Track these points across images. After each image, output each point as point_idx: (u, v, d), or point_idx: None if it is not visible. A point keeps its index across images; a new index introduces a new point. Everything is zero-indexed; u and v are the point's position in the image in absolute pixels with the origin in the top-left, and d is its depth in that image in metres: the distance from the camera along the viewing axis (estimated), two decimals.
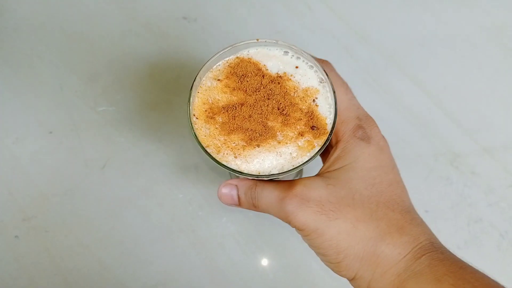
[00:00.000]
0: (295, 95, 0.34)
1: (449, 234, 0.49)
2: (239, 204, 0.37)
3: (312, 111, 0.34)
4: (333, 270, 0.34)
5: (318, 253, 0.34)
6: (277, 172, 0.32)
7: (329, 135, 0.33)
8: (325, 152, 0.38)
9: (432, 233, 0.33)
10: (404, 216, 0.33)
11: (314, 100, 0.34)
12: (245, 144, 0.33)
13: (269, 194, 0.34)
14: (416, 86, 0.55)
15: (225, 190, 0.37)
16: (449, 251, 0.32)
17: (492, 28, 0.58)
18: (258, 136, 0.33)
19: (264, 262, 0.49)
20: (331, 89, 0.34)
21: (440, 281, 0.29)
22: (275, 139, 0.33)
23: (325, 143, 0.33)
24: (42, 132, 0.53)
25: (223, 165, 0.32)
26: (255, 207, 0.35)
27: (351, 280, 0.33)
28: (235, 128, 0.33)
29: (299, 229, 0.33)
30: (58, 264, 0.49)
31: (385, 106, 0.54)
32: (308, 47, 0.56)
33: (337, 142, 0.35)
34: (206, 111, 0.34)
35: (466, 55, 0.57)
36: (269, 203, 0.34)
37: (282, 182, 0.35)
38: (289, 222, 0.33)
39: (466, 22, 0.58)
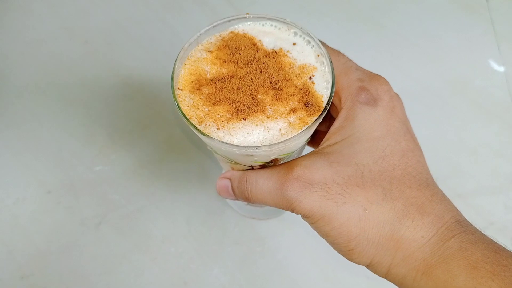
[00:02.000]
0: (290, 71, 0.32)
1: None
2: (235, 196, 0.34)
3: (308, 88, 0.31)
4: (345, 257, 0.30)
5: (327, 241, 0.30)
6: (268, 143, 0.30)
7: (323, 110, 0.30)
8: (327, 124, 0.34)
9: (457, 210, 0.30)
10: (423, 192, 0.29)
11: (310, 77, 0.32)
12: (230, 116, 0.30)
13: (265, 182, 0.30)
14: None
15: (220, 183, 0.34)
16: (479, 231, 0.29)
17: (456, 81, 0.63)
18: (245, 108, 0.31)
19: None
20: (329, 64, 0.32)
21: (476, 268, 0.26)
22: (264, 113, 0.31)
23: (318, 119, 0.30)
24: (41, 192, 0.57)
25: (206, 134, 0.30)
26: (248, 199, 0.32)
27: (367, 266, 0.30)
28: (221, 99, 0.31)
29: (304, 217, 0.29)
30: None
31: None
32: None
33: (339, 112, 0.32)
34: (192, 82, 0.32)
35: (434, 107, 0.62)
36: (266, 192, 0.30)
37: (278, 166, 0.31)
38: (292, 210, 0.29)
39: (432, 77, 0.64)
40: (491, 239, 0.28)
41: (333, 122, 0.33)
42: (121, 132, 0.60)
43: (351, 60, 0.33)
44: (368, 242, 0.28)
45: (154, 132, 0.60)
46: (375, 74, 0.32)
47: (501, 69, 0.64)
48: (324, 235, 0.29)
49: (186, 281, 0.52)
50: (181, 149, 0.59)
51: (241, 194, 0.32)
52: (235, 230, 0.54)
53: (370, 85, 0.31)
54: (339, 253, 0.30)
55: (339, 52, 0.34)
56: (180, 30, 0.67)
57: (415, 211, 0.28)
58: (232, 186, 0.33)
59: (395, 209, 0.28)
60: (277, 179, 0.29)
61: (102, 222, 0.55)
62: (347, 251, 0.29)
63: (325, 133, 0.33)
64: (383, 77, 0.31)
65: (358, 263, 0.30)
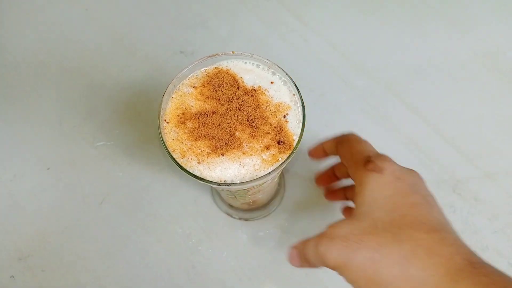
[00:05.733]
0: (267, 109, 0.35)
1: None
2: (306, 264, 0.36)
3: (282, 126, 0.34)
4: None
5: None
6: (239, 181, 0.33)
7: (294, 149, 0.33)
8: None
9: (471, 251, 0.30)
10: (431, 235, 0.30)
11: (285, 115, 0.35)
12: (210, 151, 0.33)
13: (311, 247, 0.34)
14: (414, 113, 0.55)
15: (290, 254, 0.36)
16: (496, 272, 0.29)
17: (486, 54, 0.58)
18: (224, 144, 0.33)
19: None
20: (301, 105, 0.35)
21: None
22: (241, 150, 0.33)
23: (288, 157, 0.33)
24: (40, 168, 0.53)
25: (186, 170, 0.33)
26: (309, 264, 0.35)
27: None
28: (202, 134, 0.34)
29: (333, 269, 0.32)
30: None
31: (384, 134, 0.54)
32: (305, 78, 0.57)
33: (354, 182, 0.35)
34: (178, 115, 0.35)
35: (462, 81, 0.57)
36: (312, 255, 0.33)
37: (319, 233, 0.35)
38: (325, 265, 0.32)
39: (461, 49, 0.59)
40: (509, 279, 0.28)
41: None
42: (125, 105, 0.56)
43: (370, 145, 0.38)
44: (382, 282, 0.30)
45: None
46: (382, 153, 0.36)
47: None
48: (351, 282, 0.32)
49: (193, 264, 0.49)
50: None
51: (305, 260, 0.35)
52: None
53: (376, 159, 0.34)
54: None
55: (362, 138, 0.38)
56: None
57: (423, 252, 0.29)
58: (298, 254, 0.36)
59: (403, 250, 0.30)
60: (314, 241, 0.33)
61: (104, 200, 0.52)
62: None
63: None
64: (387, 156, 0.35)
65: None
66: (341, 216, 0.50)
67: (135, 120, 0.55)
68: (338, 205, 0.51)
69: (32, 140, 0.55)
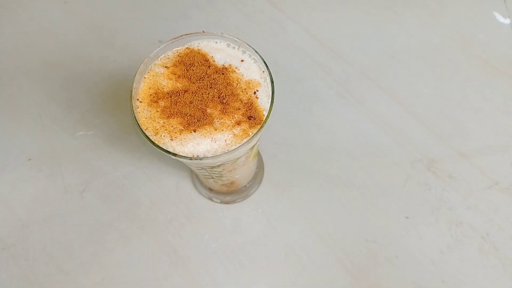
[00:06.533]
0: (238, 86, 0.36)
1: (431, 239, 0.49)
2: None
3: (252, 102, 0.35)
4: None
5: None
6: (211, 156, 0.34)
7: (263, 123, 0.34)
8: None
9: None
10: None
11: (255, 92, 0.36)
12: (182, 128, 0.34)
13: None
14: (389, 96, 0.56)
15: None
16: None
17: (458, 37, 0.60)
18: (196, 121, 0.34)
19: (249, 280, 0.48)
20: (270, 81, 0.35)
21: None
22: (212, 126, 0.34)
23: (258, 131, 0.34)
24: (21, 159, 0.53)
25: (157, 146, 0.34)
26: None
27: None
28: (175, 112, 0.35)
29: None
30: None
31: (360, 117, 0.55)
32: (282, 65, 0.58)
33: None
34: (151, 95, 0.36)
35: (435, 65, 0.58)
36: None
37: None
38: None
39: (434, 33, 0.60)
40: None
41: None
42: (105, 95, 0.56)
43: None
44: None
45: None
46: None
47: (507, 21, 0.60)
48: None
49: (176, 248, 0.49)
50: None
51: None
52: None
53: None
54: None
55: None
56: None
57: None
58: None
59: None
60: None
61: (86, 189, 0.52)
62: None
63: None
64: None
65: None
66: (317, 199, 0.51)
67: (115, 110, 0.56)
68: (316, 188, 0.52)
69: (12, 131, 0.55)
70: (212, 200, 0.51)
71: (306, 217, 0.50)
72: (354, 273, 0.47)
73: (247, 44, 0.37)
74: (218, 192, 0.50)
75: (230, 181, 0.45)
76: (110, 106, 0.56)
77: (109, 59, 0.59)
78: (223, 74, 0.36)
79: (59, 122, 0.55)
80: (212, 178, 0.43)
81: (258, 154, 0.52)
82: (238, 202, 0.51)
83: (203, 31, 0.37)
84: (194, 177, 0.51)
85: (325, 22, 0.61)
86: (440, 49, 0.59)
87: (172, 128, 0.34)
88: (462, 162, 0.52)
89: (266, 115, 0.35)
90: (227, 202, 0.51)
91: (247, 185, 0.50)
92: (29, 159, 0.53)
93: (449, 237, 0.49)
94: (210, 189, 0.50)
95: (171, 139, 0.34)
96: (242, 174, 0.45)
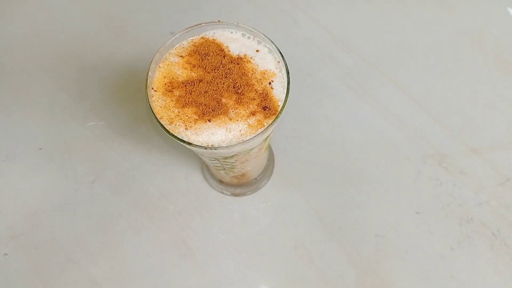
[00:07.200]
0: (253, 76, 0.35)
1: (441, 235, 0.48)
2: None
3: (267, 92, 0.35)
4: None
5: None
6: (225, 145, 0.33)
7: (278, 113, 0.34)
8: None
9: None
10: None
11: (270, 82, 0.35)
12: (197, 117, 0.34)
13: None
14: (401, 90, 0.56)
15: None
16: None
17: (471, 32, 0.59)
18: (210, 111, 0.34)
19: (257, 272, 0.48)
20: (285, 71, 0.35)
21: None
22: (227, 116, 0.34)
23: (273, 121, 0.34)
24: (31, 149, 0.54)
25: (172, 135, 0.33)
26: None
27: None
28: (189, 102, 0.34)
29: None
30: (48, 281, 0.48)
31: (372, 111, 0.55)
32: (293, 58, 0.57)
33: None
34: (166, 84, 0.35)
35: (448, 59, 0.58)
36: None
37: None
38: None
39: (447, 28, 0.60)
40: None
41: None
42: (115, 86, 0.56)
43: None
44: None
45: None
46: None
47: None
48: None
49: (185, 239, 0.49)
50: None
51: None
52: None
53: None
54: None
55: None
56: None
57: None
58: None
59: None
60: None
61: (96, 180, 0.52)
62: None
63: None
64: None
65: None
66: (327, 193, 0.51)
67: (126, 100, 0.56)
68: (326, 182, 0.52)
69: (23, 121, 0.55)
70: (222, 193, 0.51)
71: (316, 210, 0.50)
72: (363, 267, 0.47)
73: (263, 34, 0.36)
74: (228, 185, 0.50)
75: (241, 173, 0.45)
76: (120, 97, 0.56)
77: (120, 50, 0.59)
78: (238, 64, 0.36)
79: (70, 112, 0.55)
80: (224, 169, 0.43)
81: (269, 147, 0.52)
82: (248, 194, 0.51)
83: (218, 21, 0.37)
84: (205, 169, 0.51)
85: (337, 15, 0.61)
86: (453, 44, 0.59)
87: (187, 117, 0.34)
88: (474, 158, 0.52)
89: (281, 105, 0.34)
90: (237, 195, 0.51)
91: (258, 178, 0.50)
92: (40, 149, 0.54)
93: (459, 233, 0.48)
94: (221, 181, 0.50)
95: (186, 129, 0.34)
96: (253, 166, 0.45)
